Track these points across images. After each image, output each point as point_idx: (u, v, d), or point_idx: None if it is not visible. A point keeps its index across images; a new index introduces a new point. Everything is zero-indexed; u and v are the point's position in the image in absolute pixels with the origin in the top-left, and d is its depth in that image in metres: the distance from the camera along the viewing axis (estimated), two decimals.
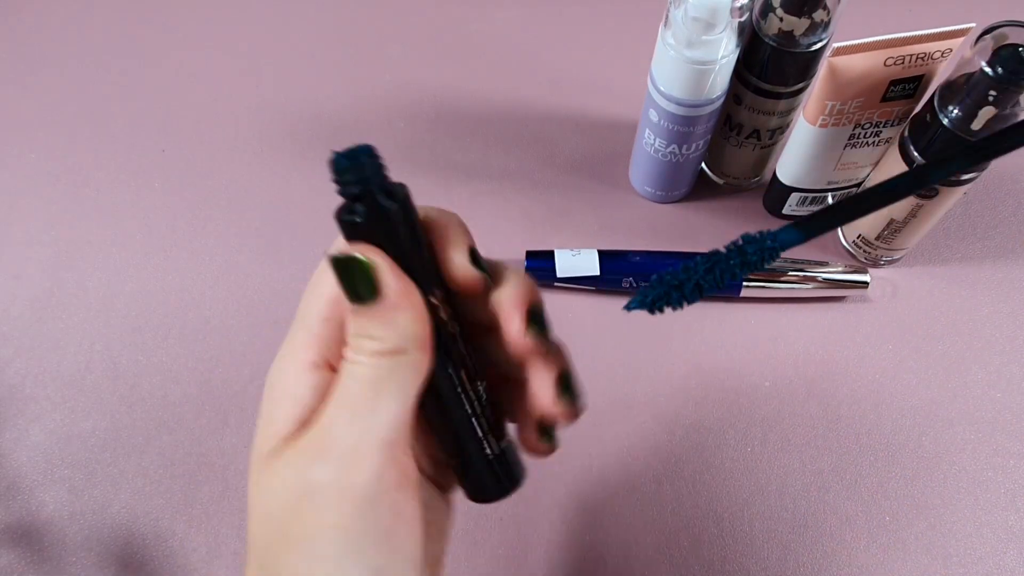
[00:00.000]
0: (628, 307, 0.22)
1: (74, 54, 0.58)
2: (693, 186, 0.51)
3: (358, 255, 0.21)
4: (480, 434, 0.24)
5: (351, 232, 0.22)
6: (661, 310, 0.22)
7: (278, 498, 0.21)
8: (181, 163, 0.53)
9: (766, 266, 0.22)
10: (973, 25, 0.39)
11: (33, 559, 0.41)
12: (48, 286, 0.48)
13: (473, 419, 0.24)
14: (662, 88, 0.42)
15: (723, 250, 0.22)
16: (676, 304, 0.22)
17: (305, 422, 0.22)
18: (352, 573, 0.20)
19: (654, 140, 0.45)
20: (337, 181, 0.21)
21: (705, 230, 0.50)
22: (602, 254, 0.47)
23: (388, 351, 0.21)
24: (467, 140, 0.54)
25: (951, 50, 0.39)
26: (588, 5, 0.60)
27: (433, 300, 0.22)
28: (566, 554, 0.41)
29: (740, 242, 0.22)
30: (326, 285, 0.23)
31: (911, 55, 0.39)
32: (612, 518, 0.42)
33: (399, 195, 0.22)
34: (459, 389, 0.23)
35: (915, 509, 0.42)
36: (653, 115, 0.44)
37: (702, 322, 0.47)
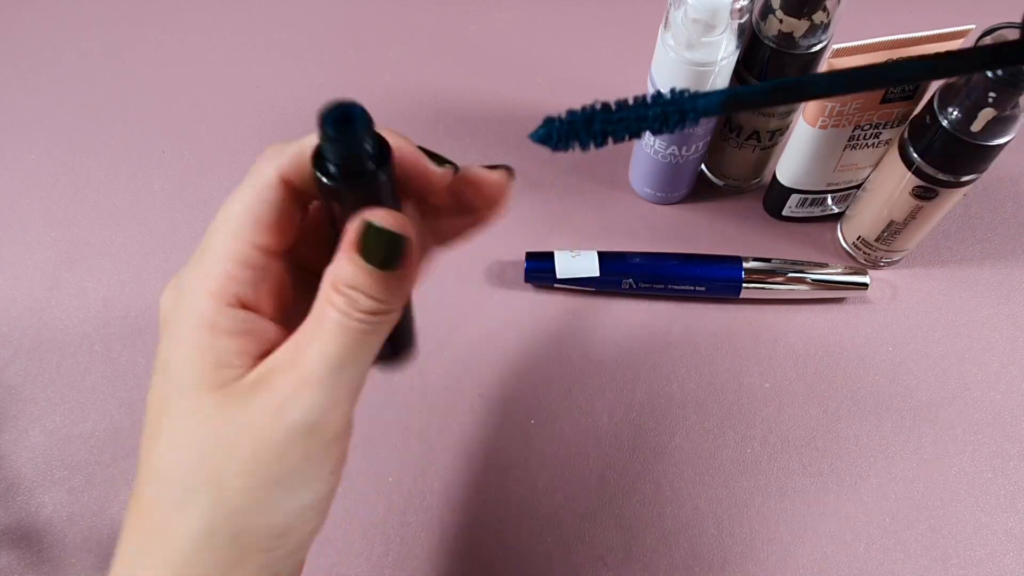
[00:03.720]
0: (532, 136, 0.22)
1: (74, 54, 0.58)
2: (693, 187, 0.51)
3: (402, 232, 0.22)
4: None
5: (340, 190, 0.21)
6: (564, 148, 0.22)
7: (253, 435, 0.21)
8: (181, 163, 0.53)
9: (681, 128, 0.21)
10: (972, 27, 0.39)
11: (32, 560, 0.41)
12: (48, 287, 0.48)
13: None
14: (662, 89, 0.42)
15: (640, 101, 0.21)
16: (583, 143, 0.21)
17: (262, 362, 0.22)
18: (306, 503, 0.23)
19: (654, 141, 0.45)
20: (328, 143, 0.21)
21: (705, 231, 0.50)
22: (602, 255, 0.47)
23: (382, 311, 0.22)
24: (467, 141, 0.54)
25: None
26: (588, 6, 0.60)
27: None
28: (566, 555, 0.41)
29: (659, 96, 0.21)
30: (246, 227, 0.23)
31: (911, 56, 0.39)
32: (612, 519, 0.42)
33: (387, 159, 0.22)
34: None
35: (915, 511, 0.42)
36: None
37: (702, 323, 0.47)
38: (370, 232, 0.21)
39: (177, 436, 0.22)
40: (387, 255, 0.21)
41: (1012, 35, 0.36)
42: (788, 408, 0.45)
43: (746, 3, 0.38)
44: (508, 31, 0.59)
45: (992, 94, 0.36)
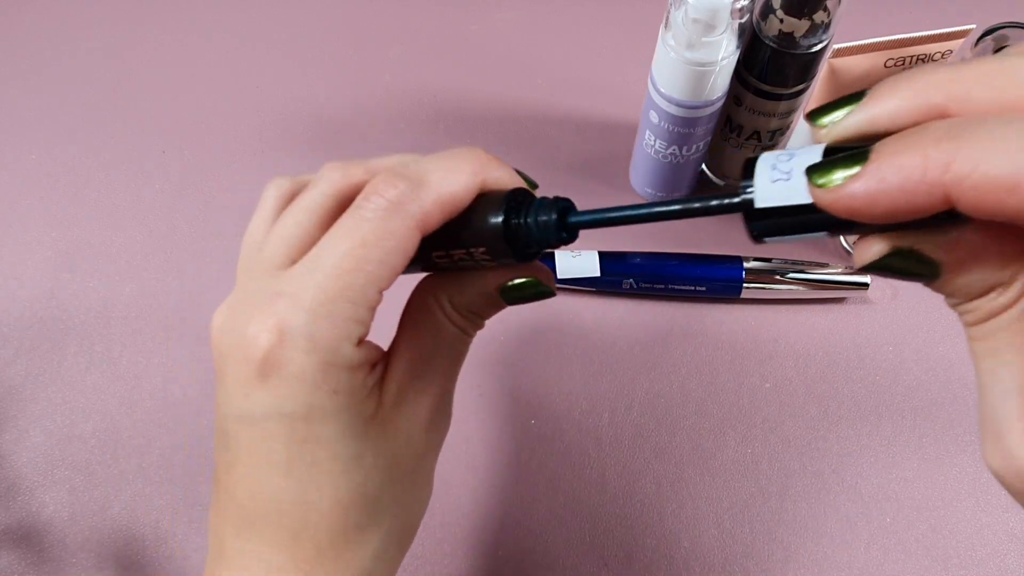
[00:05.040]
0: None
1: (74, 54, 0.58)
2: (693, 187, 0.51)
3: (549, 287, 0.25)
4: None
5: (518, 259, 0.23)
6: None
7: (411, 452, 0.25)
8: (181, 164, 0.53)
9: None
10: (973, 26, 0.39)
11: (33, 560, 0.41)
12: (48, 287, 0.48)
13: None
14: (662, 89, 0.42)
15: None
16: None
17: (388, 384, 0.24)
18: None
19: (654, 141, 0.45)
20: (545, 234, 0.22)
21: (705, 232, 0.50)
22: (602, 255, 0.47)
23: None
24: (467, 141, 0.54)
25: (951, 51, 0.39)
26: (588, 6, 0.60)
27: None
28: (566, 555, 0.41)
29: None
30: (384, 278, 0.22)
31: (911, 56, 0.39)
32: (612, 519, 0.42)
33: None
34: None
35: (916, 511, 0.42)
36: (653, 116, 0.44)
37: (702, 323, 0.47)
38: (526, 285, 0.25)
39: (345, 470, 0.23)
40: (527, 299, 0.25)
41: (1013, 35, 0.36)
42: (788, 408, 0.45)
43: (746, 3, 0.38)
44: (508, 31, 0.59)
45: None
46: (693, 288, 0.47)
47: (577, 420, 0.44)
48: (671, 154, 0.46)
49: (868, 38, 0.39)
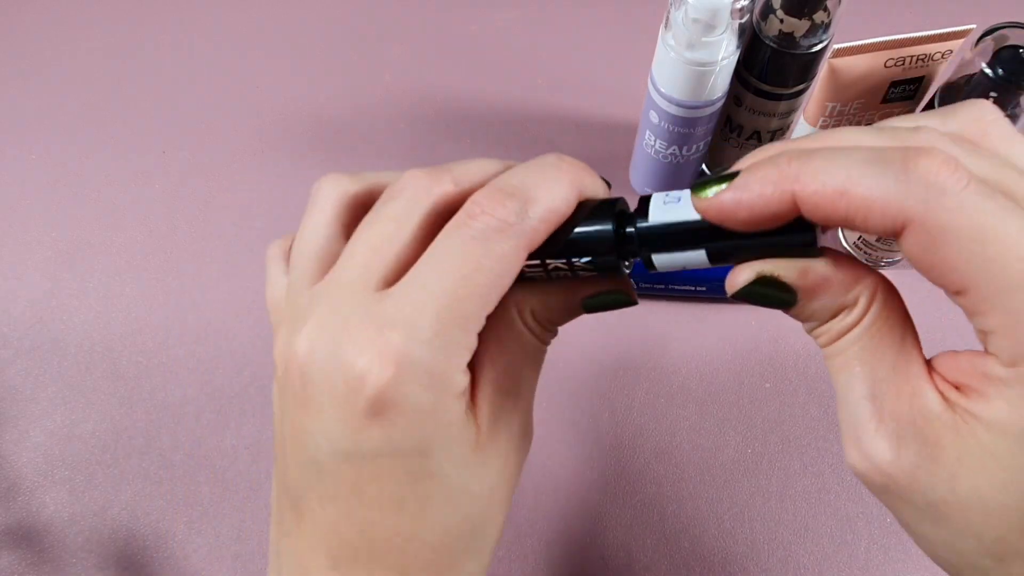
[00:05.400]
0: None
1: (74, 54, 0.58)
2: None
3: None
4: None
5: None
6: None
7: (514, 473, 0.25)
8: (181, 164, 0.53)
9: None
10: (973, 26, 0.39)
11: (33, 560, 0.41)
12: (48, 287, 0.48)
13: None
14: (662, 89, 0.42)
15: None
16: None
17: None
18: None
19: (654, 141, 0.45)
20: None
21: None
22: None
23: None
24: (468, 141, 0.54)
25: (951, 51, 0.39)
26: (588, 6, 0.60)
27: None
28: (566, 555, 0.41)
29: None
30: (492, 302, 0.21)
31: (912, 56, 0.39)
32: (612, 519, 0.42)
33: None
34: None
35: None
36: (653, 116, 0.44)
37: (703, 323, 0.47)
38: (614, 295, 0.25)
39: (455, 503, 0.22)
40: (610, 309, 0.25)
41: (1013, 35, 0.36)
42: (789, 408, 0.45)
43: (747, 3, 0.38)
44: (508, 31, 0.59)
45: (993, 93, 0.36)
46: (693, 288, 0.47)
47: (577, 420, 0.44)
48: (671, 154, 0.46)
49: (868, 38, 0.39)
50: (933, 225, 0.17)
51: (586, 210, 0.22)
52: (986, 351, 0.18)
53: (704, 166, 0.52)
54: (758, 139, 0.46)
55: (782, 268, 0.20)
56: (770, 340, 0.47)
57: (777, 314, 0.47)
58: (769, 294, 0.20)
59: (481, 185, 0.22)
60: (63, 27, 0.60)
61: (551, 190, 0.21)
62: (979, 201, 0.16)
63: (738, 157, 0.48)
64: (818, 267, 0.20)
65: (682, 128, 0.43)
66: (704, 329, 0.47)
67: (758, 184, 0.18)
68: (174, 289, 0.48)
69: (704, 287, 0.47)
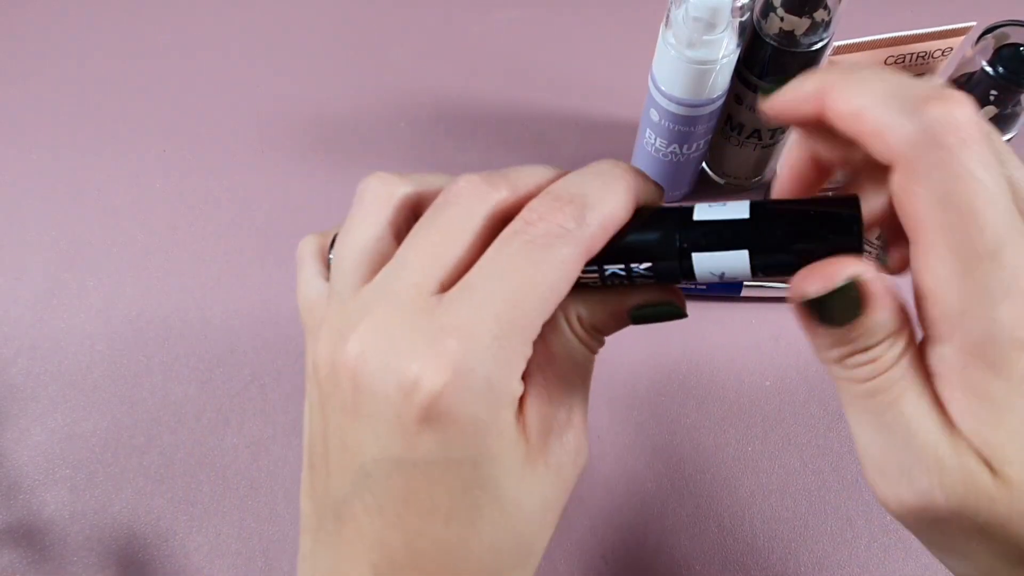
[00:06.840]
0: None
1: (74, 54, 0.58)
2: (694, 186, 0.51)
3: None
4: None
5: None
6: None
7: (564, 486, 0.25)
8: (181, 163, 0.53)
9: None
10: (974, 24, 0.39)
11: (34, 559, 0.41)
12: (49, 286, 0.49)
13: None
14: (663, 88, 0.42)
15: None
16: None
17: (529, 415, 0.24)
18: None
19: (655, 140, 0.45)
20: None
21: None
22: None
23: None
24: (468, 141, 0.54)
25: (952, 49, 0.39)
26: (589, 5, 0.60)
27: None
28: (566, 554, 0.41)
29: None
30: (549, 311, 0.21)
31: (912, 54, 0.39)
32: (612, 518, 0.42)
33: None
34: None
35: None
36: (654, 115, 0.44)
37: (703, 322, 0.47)
38: (665, 305, 0.25)
39: (505, 516, 0.22)
40: (659, 320, 0.26)
41: (1013, 33, 0.36)
42: (789, 406, 0.45)
43: (747, 1, 0.38)
44: (508, 31, 0.59)
45: (994, 92, 0.36)
46: (693, 287, 0.47)
47: None
48: (672, 152, 0.46)
49: (868, 36, 0.39)
50: (919, 166, 0.18)
51: (644, 216, 0.21)
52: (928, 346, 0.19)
53: (705, 165, 0.52)
54: (759, 137, 0.46)
55: (862, 269, 0.19)
56: (770, 338, 0.47)
57: (777, 312, 0.47)
58: (844, 302, 0.19)
59: (537, 192, 0.21)
60: (63, 27, 0.60)
61: (609, 196, 0.21)
62: (970, 163, 0.17)
63: (738, 156, 0.48)
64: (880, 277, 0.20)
65: (683, 126, 0.43)
66: (704, 327, 0.47)
67: (800, 89, 0.21)
68: (174, 289, 0.48)
69: (704, 286, 0.47)
